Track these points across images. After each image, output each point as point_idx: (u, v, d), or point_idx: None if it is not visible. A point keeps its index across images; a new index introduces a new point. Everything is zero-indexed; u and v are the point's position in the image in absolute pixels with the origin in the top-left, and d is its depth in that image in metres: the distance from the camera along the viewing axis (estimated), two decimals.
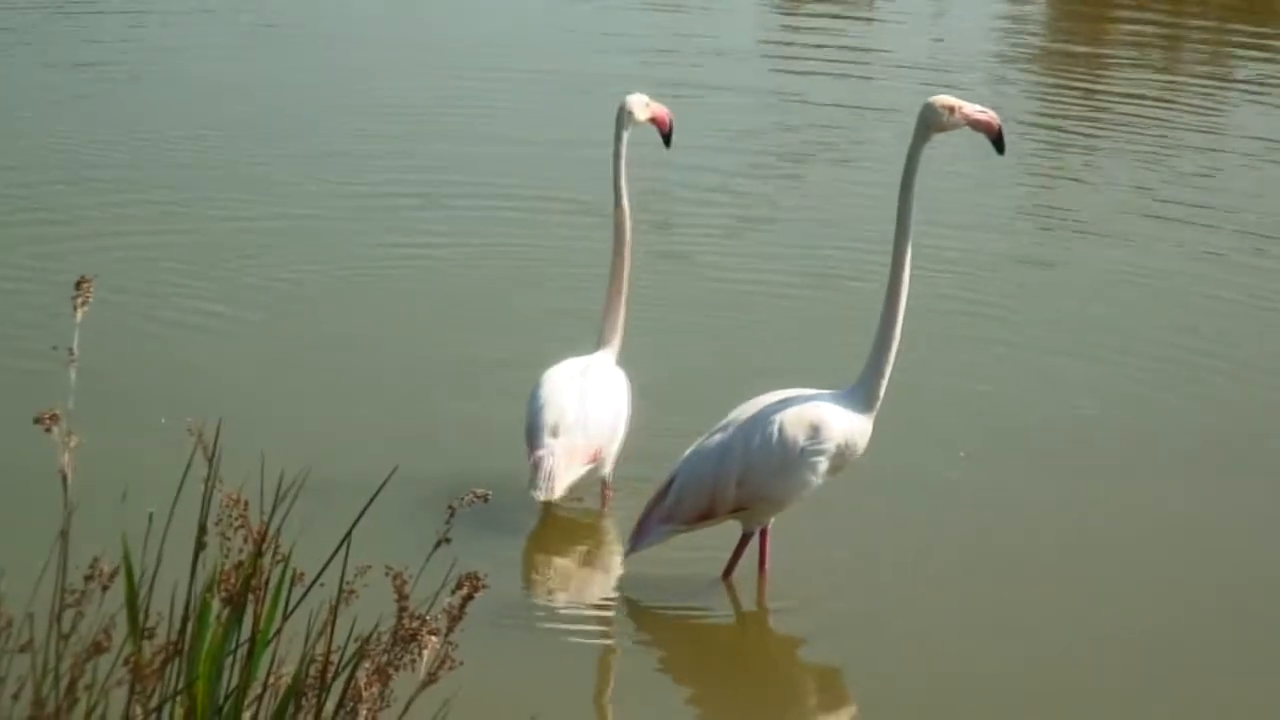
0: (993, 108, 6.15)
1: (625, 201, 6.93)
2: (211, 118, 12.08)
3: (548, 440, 6.48)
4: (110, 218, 9.91)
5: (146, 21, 15.25)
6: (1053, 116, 13.41)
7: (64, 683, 3.28)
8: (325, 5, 16.54)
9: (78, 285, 3.21)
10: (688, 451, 6.21)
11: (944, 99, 6.01)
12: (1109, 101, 13.99)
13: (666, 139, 7.10)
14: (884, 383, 6.07)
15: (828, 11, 16.99)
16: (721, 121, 12.42)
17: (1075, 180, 11.77)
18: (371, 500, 3.54)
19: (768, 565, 6.30)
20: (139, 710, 3.31)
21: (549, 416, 6.52)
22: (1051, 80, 15.10)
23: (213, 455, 3.22)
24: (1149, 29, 16.96)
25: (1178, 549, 6.81)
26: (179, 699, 3.36)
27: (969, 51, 15.64)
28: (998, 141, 6.01)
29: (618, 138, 6.93)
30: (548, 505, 6.69)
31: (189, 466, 3.27)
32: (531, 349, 7.41)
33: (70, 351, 3.24)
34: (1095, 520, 6.97)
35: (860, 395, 6.09)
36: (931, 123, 5.99)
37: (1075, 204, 11.21)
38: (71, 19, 15.07)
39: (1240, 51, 16.31)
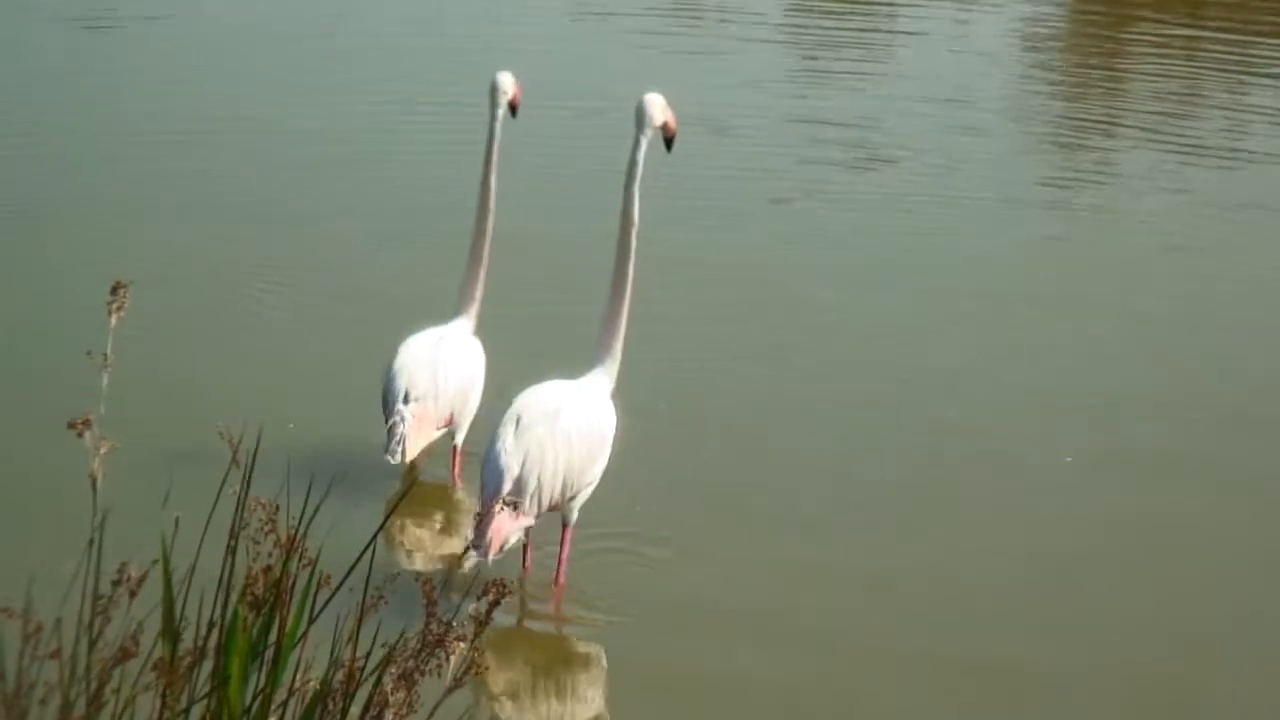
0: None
1: (493, 180, 7.14)
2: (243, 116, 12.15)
3: (399, 407, 6.81)
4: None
5: None
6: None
7: (91, 687, 3.28)
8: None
9: (113, 290, 3.19)
10: (486, 456, 6.13)
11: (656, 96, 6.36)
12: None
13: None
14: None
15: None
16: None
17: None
18: (394, 508, 3.57)
19: (565, 559, 6.23)
20: (167, 713, 3.31)
21: (402, 384, 6.87)
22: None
23: (249, 465, 3.22)
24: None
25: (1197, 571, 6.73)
26: (207, 702, 3.36)
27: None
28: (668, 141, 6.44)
29: (493, 118, 7.11)
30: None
31: (226, 475, 3.27)
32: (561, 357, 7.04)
33: (105, 356, 3.22)
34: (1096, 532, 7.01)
35: (605, 380, 6.42)
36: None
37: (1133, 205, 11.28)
38: None
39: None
